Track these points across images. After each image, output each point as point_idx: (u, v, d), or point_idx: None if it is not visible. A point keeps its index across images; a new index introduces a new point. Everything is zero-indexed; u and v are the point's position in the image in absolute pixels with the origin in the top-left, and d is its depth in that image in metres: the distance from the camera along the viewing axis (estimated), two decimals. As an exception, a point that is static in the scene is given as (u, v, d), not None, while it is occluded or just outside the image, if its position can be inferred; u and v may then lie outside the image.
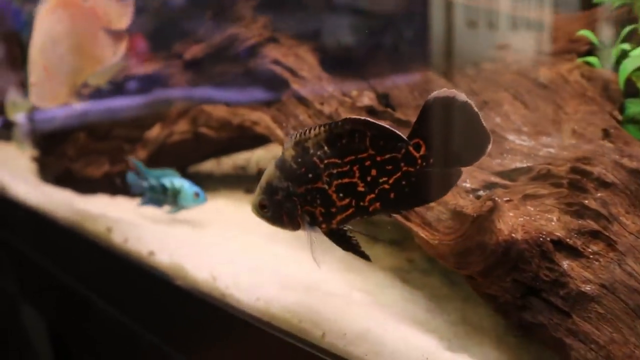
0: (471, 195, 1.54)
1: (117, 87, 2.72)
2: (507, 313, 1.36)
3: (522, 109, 2.01)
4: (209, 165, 3.21)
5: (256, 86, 2.45)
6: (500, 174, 1.57)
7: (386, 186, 1.21)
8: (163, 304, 2.10)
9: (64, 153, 3.26)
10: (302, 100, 2.24)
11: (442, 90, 1.16)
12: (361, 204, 1.23)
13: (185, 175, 3.16)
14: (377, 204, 1.24)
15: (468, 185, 1.58)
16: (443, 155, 1.19)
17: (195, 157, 2.93)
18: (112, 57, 2.35)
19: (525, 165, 1.56)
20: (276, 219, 1.32)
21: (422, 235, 1.54)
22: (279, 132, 2.20)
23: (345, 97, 2.20)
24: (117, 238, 2.36)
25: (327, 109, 2.08)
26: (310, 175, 1.23)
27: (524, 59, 2.17)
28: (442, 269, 1.84)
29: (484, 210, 1.33)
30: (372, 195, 1.22)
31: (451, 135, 1.18)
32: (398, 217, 1.65)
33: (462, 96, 1.15)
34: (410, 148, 1.18)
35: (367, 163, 1.20)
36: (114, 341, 2.56)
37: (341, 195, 1.23)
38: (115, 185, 2.96)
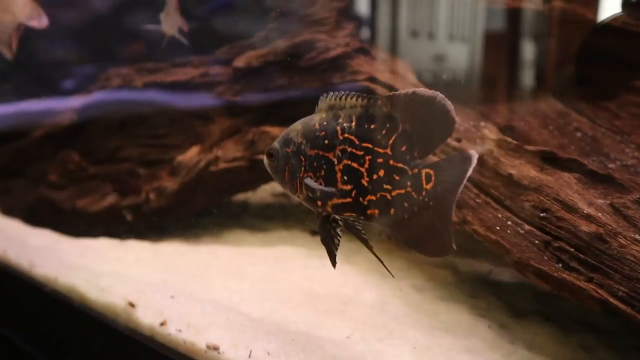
0: None
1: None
2: None
3: None
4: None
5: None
6: None
7: (388, 196, 1.10)
8: None
9: (41, 177, 2.56)
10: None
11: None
12: (360, 199, 1.13)
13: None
14: (376, 211, 1.13)
15: None
16: (443, 207, 1.05)
17: (242, 188, 2.36)
18: None
19: None
20: (279, 172, 1.23)
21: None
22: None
23: (478, 130, 1.75)
24: (147, 318, 1.61)
25: (471, 149, 1.61)
26: (326, 142, 1.16)
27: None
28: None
29: None
30: (373, 198, 1.12)
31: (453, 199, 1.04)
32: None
33: None
34: (423, 173, 1.07)
35: (380, 160, 1.11)
36: None
37: (345, 178, 1.14)
38: (126, 224, 2.34)
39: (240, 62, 2.22)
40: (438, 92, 1.05)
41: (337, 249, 1.21)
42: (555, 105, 1.95)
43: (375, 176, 1.11)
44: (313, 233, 2.22)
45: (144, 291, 1.73)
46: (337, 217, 1.20)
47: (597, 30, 1.94)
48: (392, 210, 1.10)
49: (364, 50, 2.03)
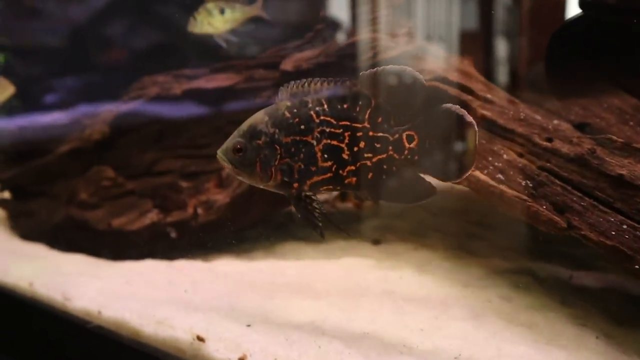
0: None
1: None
2: None
3: None
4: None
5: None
6: None
7: (368, 163, 1.24)
8: None
9: (69, 196, 2.39)
10: (496, 131, 1.67)
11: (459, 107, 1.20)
12: (340, 172, 1.25)
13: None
14: (354, 179, 1.25)
15: None
16: (429, 160, 1.22)
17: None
18: None
19: None
20: (246, 167, 1.27)
21: None
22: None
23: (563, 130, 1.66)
24: (220, 353, 1.40)
25: (568, 149, 1.52)
26: (302, 127, 1.24)
27: None
28: None
29: None
30: (352, 168, 1.24)
31: (446, 146, 1.20)
32: None
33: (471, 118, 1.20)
34: (404, 136, 1.22)
35: (359, 134, 1.23)
36: None
37: (325, 156, 1.24)
38: (170, 242, 2.18)
39: (288, 66, 2.10)
40: (405, 67, 1.19)
41: (319, 221, 1.30)
42: (629, 100, 1.88)
43: (356, 148, 1.23)
44: (375, 242, 2.12)
45: (212, 320, 1.53)
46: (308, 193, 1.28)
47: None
48: (371, 175, 1.23)
49: (424, 48, 1.93)
